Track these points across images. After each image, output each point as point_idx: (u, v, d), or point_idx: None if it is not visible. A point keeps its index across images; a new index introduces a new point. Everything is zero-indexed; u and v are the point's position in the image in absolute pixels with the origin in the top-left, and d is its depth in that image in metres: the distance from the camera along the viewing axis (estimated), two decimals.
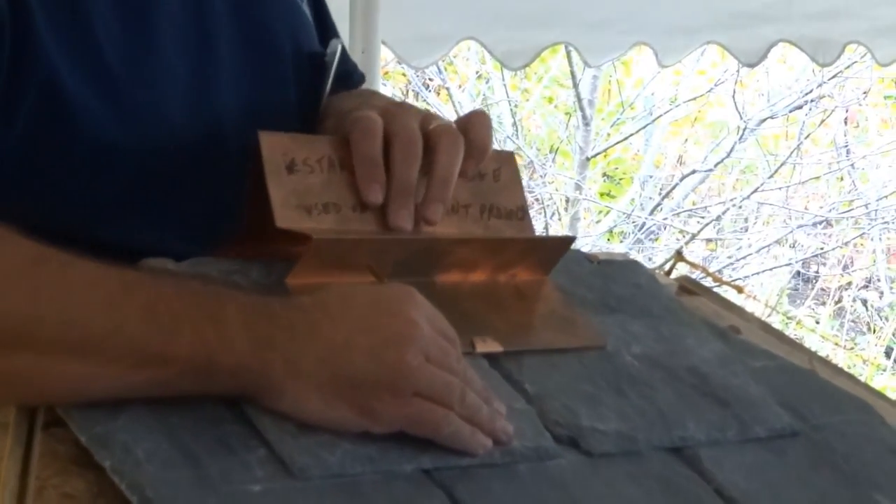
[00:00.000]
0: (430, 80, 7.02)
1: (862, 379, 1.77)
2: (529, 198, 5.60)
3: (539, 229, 6.14)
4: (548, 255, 1.40)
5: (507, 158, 1.44)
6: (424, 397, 1.13)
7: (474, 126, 1.39)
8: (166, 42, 1.37)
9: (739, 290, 1.70)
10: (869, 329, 7.28)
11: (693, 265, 1.64)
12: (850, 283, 7.47)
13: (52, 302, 1.09)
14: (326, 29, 1.68)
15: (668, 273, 1.60)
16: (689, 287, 1.56)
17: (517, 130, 6.92)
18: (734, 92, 6.72)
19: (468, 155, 1.36)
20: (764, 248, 7.16)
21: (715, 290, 1.61)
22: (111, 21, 1.32)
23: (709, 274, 1.68)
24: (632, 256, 1.71)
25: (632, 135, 7.17)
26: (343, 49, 1.61)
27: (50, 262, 1.11)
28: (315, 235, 1.25)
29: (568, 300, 1.38)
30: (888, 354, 6.93)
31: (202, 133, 1.39)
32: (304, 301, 1.18)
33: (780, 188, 7.27)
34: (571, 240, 1.44)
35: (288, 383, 1.12)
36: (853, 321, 7.33)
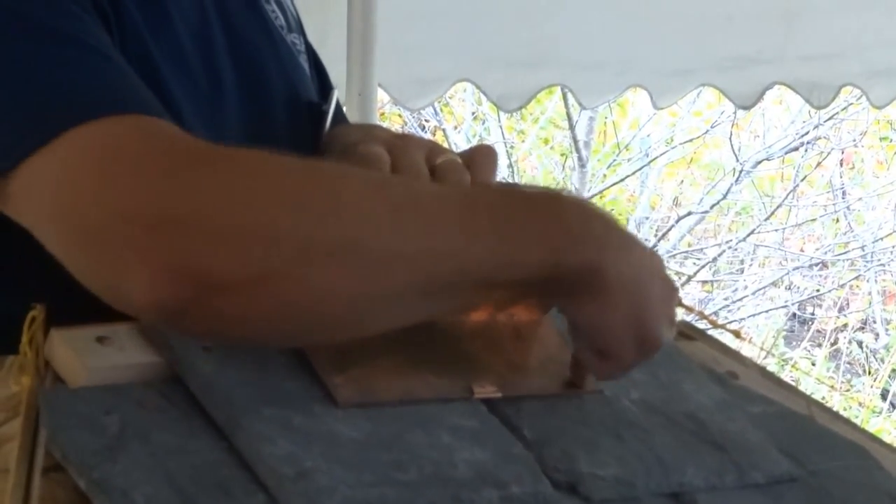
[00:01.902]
0: (427, 121, 7.04)
1: (858, 422, 1.77)
2: None
3: None
4: None
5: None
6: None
7: (478, 163, 1.40)
8: (174, 79, 1.38)
9: (737, 334, 1.70)
10: (865, 371, 7.28)
11: (689, 309, 1.64)
12: (846, 325, 7.46)
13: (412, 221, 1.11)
14: (324, 82, 1.69)
15: None
16: (687, 332, 1.57)
17: (513, 172, 6.93)
18: (730, 134, 6.74)
19: None
20: (760, 290, 7.16)
21: (711, 331, 1.61)
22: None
23: (705, 317, 1.67)
24: None
25: (627, 176, 7.18)
26: (338, 101, 1.63)
27: (392, 183, 1.15)
28: None
29: (564, 343, 1.39)
30: (884, 396, 6.92)
31: None
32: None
33: (776, 230, 7.28)
34: None
35: (614, 288, 1.16)
36: (849, 363, 7.33)
